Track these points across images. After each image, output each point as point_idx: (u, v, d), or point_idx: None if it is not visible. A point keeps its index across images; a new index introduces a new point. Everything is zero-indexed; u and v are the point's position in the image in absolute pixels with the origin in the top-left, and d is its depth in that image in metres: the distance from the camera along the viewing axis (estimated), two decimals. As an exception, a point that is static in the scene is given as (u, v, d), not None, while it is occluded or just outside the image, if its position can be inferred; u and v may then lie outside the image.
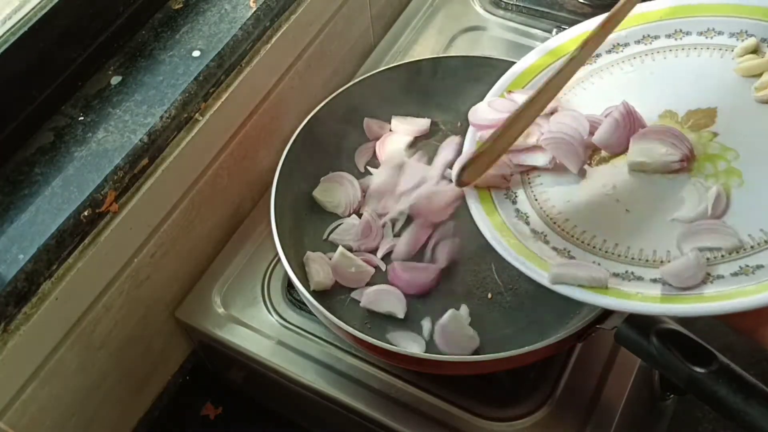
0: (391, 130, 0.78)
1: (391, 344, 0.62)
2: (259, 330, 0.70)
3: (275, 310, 0.72)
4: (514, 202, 0.57)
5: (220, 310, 0.72)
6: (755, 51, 0.56)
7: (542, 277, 0.51)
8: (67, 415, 0.65)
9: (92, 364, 0.65)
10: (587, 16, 0.87)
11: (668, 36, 0.60)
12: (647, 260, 0.50)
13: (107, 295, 0.64)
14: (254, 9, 0.70)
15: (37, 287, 0.57)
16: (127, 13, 0.68)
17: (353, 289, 0.70)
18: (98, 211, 0.60)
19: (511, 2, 0.92)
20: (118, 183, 0.60)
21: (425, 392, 0.65)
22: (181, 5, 0.71)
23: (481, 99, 0.79)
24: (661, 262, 0.50)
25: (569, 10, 0.89)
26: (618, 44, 0.62)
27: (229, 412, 0.83)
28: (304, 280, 0.68)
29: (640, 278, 0.50)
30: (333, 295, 0.70)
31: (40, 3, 0.61)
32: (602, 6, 0.87)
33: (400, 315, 0.67)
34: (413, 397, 0.65)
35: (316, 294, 0.67)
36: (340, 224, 0.73)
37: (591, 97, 0.60)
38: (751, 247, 0.48)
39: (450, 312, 0.64)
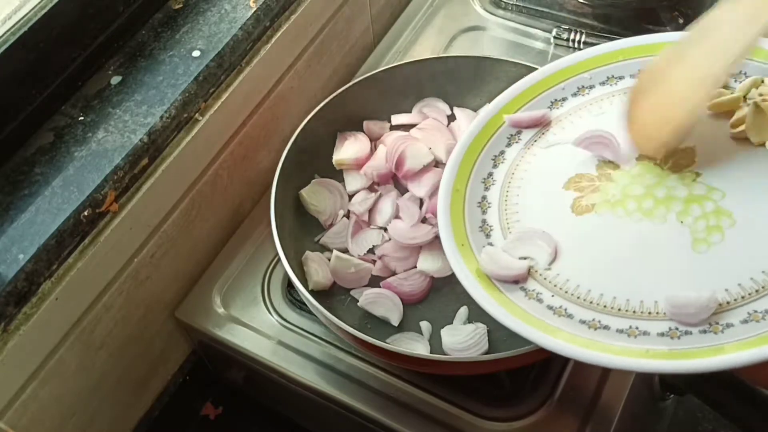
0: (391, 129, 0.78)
1: (391, 345, 0.62)
2: (259, 330, 0.70)
3: (275, 310, 0.72)
4: (488, 236, 0.55)
5: (220, 310, 0.72)
6: (725, 87, 0.55)
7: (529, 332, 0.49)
8: (67, 415, 0.65)
9: (92, 364, 0.65)
10: (587, 16, 0.88)
11: (632, 76, 0.59)
12: (650, 312, 0.48)
13: (107, 295, 0.64)
14: (254, 9, 0.70)
15: (37, 287, 0.57)
16: (127, 13, 0.68)
17: (353, 289, 0.70)
18: (98, 211, 0.60)
19: (511, 2, 0.92)
20: (118, 183, 0.60)
21: (425, 392, 0.65)
22: (181, 5, 0.71)
23: (481, 99, 0.79)
24: (665, 314, 0.47)
25: (569, 10, 0.89)
26: (583, 87, 0.61)
27: (229, 412, 0.83)
28: (304, 280, 0.68)
29: (646, 333, 0.47)
30: (333, 295, 0.70)
31: (40, 3, 0.61)
32: (602, 6, 0.87)
33: (395, 322, 0.67)
34: (413, 397, 0.65)
35: (315, 294, 0.67)
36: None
37: (564, 145, 0.58)
38: (756, 291, 0.46)
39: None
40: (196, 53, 0.67)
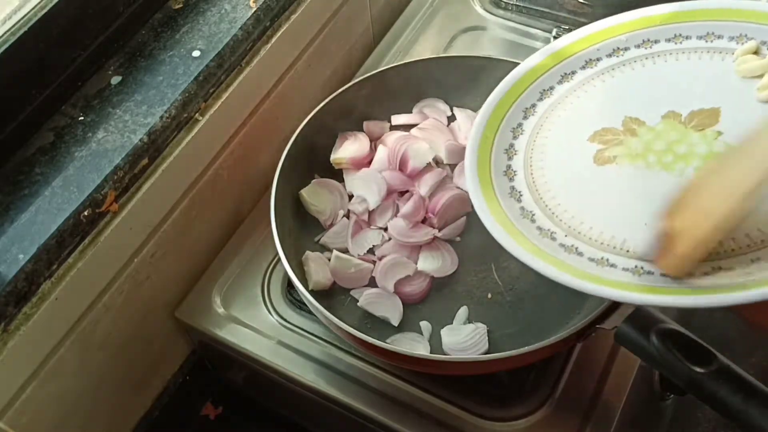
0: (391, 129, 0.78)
1: (391, 345, 0.62)
2: (259, 330, 0.70)
3: (275, 310, 0.72)
4: (512, 180, 0.57)
5: (220, 310, 0.72)
6: (755, 53, 0.56)
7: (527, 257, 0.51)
8: (67, 415, 0.65)
9: (92, 364, 0.65)
10: (587, 16, 0.88)
11: (668, 40, 0.61)
12: (628, 250, 0.50)
13: (107, 295, 0.64)
14: (254, 9, 0.70)
15: (37, 287, 0.57)
16: (127, 13, 0.68)
17: (353, 289, 0.70)
18: (98, 211, 0.60)
19: (511, 2, 0.92)
20: (118, 183, 0.60)
21: (425, 392, 0.65)
22: (181, 5, 0.71)
23: (481, 99, 0.79)
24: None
25: (569, 10, 0.89)
26: (618, 48, 0.62)
27: (229, 412, 0.84)
28: (304, 280, 0.68)
29: (613, 265, 0.49)
30: (333, 294, 0.70)
31: (40, 3, 0.61)
32: (602, 6, 0.87)
33: (395, 323, 0.67)
34: (413, 397, 0.65)
35: (315, 294, 0.67)
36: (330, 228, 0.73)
37: (594, 101, 0.60)
38: (747, 246, 0.47)
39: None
40: (196, 53, 0.67)
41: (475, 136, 0.59)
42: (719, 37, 0.58)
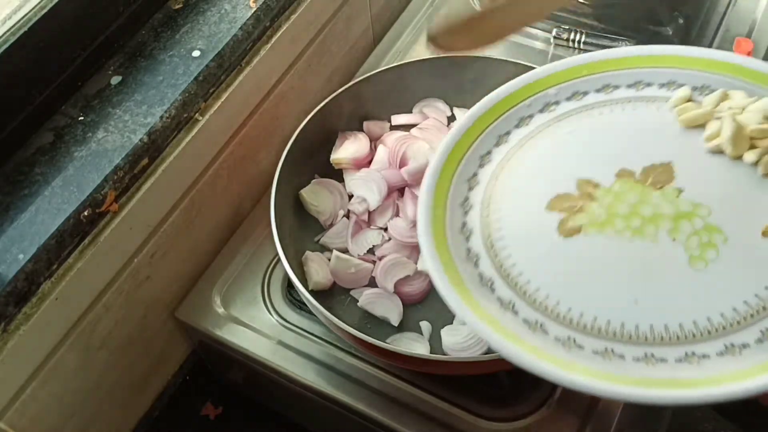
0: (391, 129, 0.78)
1: (391, 345, 0.62)
2: (259, 330, 0.70)
3: (275, 310, 0.72)
4: (468, 240, 0.53)
5: (220, 310, 0.72)
6: (690, 100, 0.54)
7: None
8: (67, 415, 0.65)
9: (92, 364, 0.65)
10: (587, 16, 0.88)
11: (597, 91, 0.58)
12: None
13: (107, 295, 0.64)
14: (254, 9, 0.70)
15: (37, 287, 0.57)
16: (127, 13, 0.68)
17: (353, 289, 0.70)
18: (98, 211, 0.60)
19: (511, 2, 0.92)
20: (118, 183, 0.60)
21: (425, 392, 0.65)
22: (181, 5, 0.71)
23: (481, 99, 0.79)
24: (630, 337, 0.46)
25: (569, 10, 0.89)
26: (549, 103, 0.59)
27: (229, 412, 0.84)
28: (304, 280, 0.68)
29: (581, 347, 0.45)
30: (333, 294, 0.70)
31: (40, 3, 0.61)
32: (602, 6, 0.87)
33: (394, 322, 0.67)
34: (413, 397, 0.65)
35: (315, 294, 0.67)
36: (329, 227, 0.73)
37: (538, 164, 0.56)
38: (744, 318, 0.45)
39: None
40: (196, 53, 0.67)
41: (425, 217, 0.53)
42: (649, 84, 0.56)
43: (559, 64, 0.60)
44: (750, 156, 0.51)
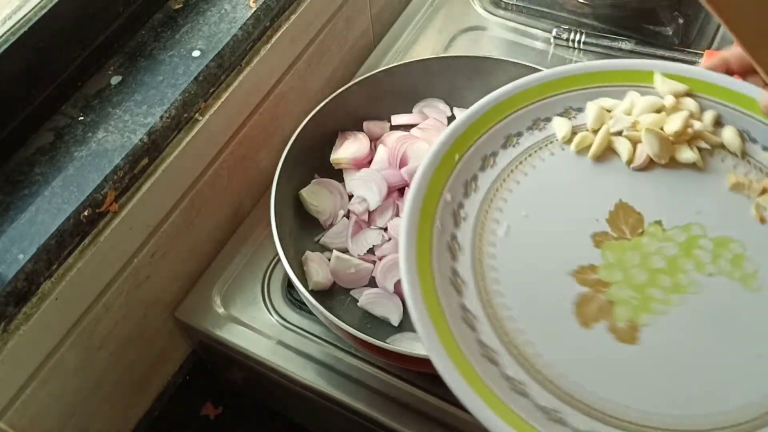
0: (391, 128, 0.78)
1: (391, 345, 0.62)
2: (259, 330, 0.70)
3: (275, 310, 0.72)
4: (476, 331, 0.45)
5: (220, 310, 0.72)
6: (574, 133, 0.51)
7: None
8: (67, 415, 0.65)
9: (92, 364, 0.65)
10: (587, 16, 0.88)
11: (560, 115, 0.53)
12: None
13: (107, 295, 0.64)
14: (254, 9, 0.70)
15: (37, 287, 0.57)
16: (127, 13, 0.68)
17: (353, 289, 0.70)
18: (98, 211, 0.60)
19: (511, 2, 0.92)
20: (118, 183, 0.60)
21: (425, 392, 0.65)
22: (181, 5, 0.71)
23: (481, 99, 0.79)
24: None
25: (569, 10, 0.89)
26: (510, 135, 0.53)
27: (229, 412, 0.84)
28: (304, 280, 0.68)
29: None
30: (333, 294, 0.70)
31: (40, 3, 0.61)
32: (602, 6, 0.87)
33: (395, 322, 0.67)
34: (413, 397, 0.65)
35: (315, 294, 0.67)
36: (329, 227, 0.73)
37: (514, 207, 0.50)
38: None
39: None
40: (196, 53, 0.67)
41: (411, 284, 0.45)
42: (546, 120, 0.52)
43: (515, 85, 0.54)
44: (687, 155, 0.50)
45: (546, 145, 0.52)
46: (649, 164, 0.51)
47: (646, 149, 0.50)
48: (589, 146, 0.51)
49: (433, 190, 0.49)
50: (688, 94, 0.53)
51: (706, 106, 0.52)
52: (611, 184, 0.50)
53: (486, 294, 0.46)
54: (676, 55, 0.82)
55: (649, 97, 0.52)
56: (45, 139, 0.62)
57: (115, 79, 0.66)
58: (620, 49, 0.84)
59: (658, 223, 0.48)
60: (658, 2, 0.85)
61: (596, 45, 0.85)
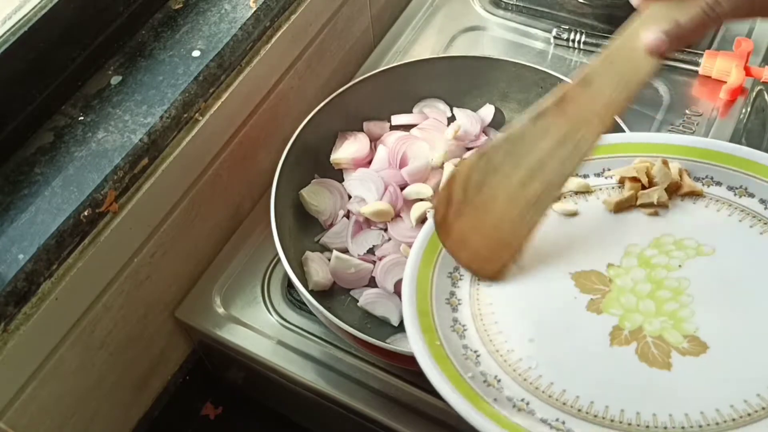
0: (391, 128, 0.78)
1: (391, 345, 0.62)
2: (259, 330, 0.70)
3: (275, 310, 0.72)
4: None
5: (220, 310, 0.72)
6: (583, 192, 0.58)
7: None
8: (67, 415, 0.65)
9: (92, 364, 0.65)
10: (587, 16, 0.88)
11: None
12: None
13: (107, 295, 0.64)
14: (254, 9, 0.70)
15: (37, 287, 0.57)
16: (127, 13, 0.68)
17: (353, 289, 0.70)
18: (98, 211, 0.60)
19: (511, 2, 0.92)
20: (118, 183, 0.60)
21: (425, 392, 0.65)
22: (181, 5, 0.71)
23: (481, 99, 0.79)
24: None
25: (569, 10, 0.89)
26: None
27: (229, 412, 0.84)
28: (304, 280, 0.68)
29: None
30: (333, 295, 0.70)
31: (40, 3, 0.61)
32: (602, 6, 0.87)
33: (394, 322, 0.67)
34: (413, 397, 0.65)
35: (315, 294, 0.67)
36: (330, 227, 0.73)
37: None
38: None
39: None
40: (196, 53, 0.67)
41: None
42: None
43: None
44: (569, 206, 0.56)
45: None
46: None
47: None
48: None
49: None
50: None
51: None
52: (558, 265, 0.53)
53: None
54: (676, 55, 0.82)
55: None
56: (45, 139, 0.62)
57: (115, 79, 0.66)
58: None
59: (611, 265, 0.52)
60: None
61: (596, 45, 0.85)
